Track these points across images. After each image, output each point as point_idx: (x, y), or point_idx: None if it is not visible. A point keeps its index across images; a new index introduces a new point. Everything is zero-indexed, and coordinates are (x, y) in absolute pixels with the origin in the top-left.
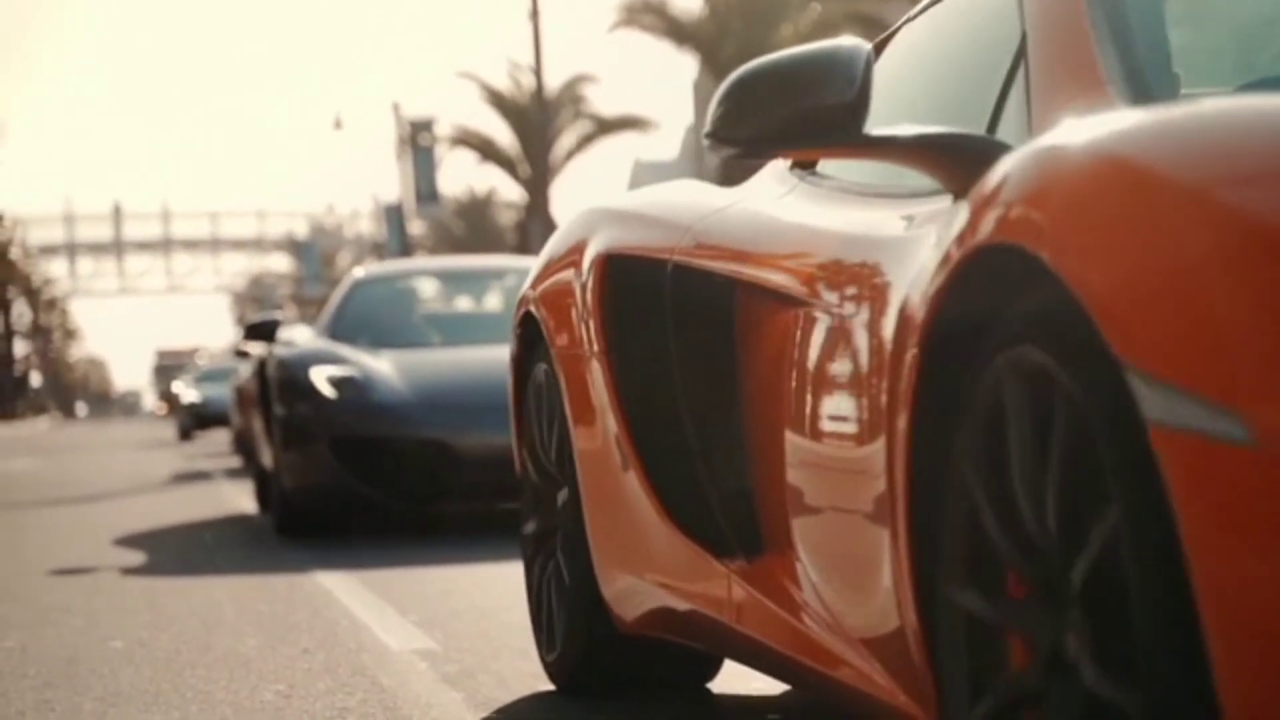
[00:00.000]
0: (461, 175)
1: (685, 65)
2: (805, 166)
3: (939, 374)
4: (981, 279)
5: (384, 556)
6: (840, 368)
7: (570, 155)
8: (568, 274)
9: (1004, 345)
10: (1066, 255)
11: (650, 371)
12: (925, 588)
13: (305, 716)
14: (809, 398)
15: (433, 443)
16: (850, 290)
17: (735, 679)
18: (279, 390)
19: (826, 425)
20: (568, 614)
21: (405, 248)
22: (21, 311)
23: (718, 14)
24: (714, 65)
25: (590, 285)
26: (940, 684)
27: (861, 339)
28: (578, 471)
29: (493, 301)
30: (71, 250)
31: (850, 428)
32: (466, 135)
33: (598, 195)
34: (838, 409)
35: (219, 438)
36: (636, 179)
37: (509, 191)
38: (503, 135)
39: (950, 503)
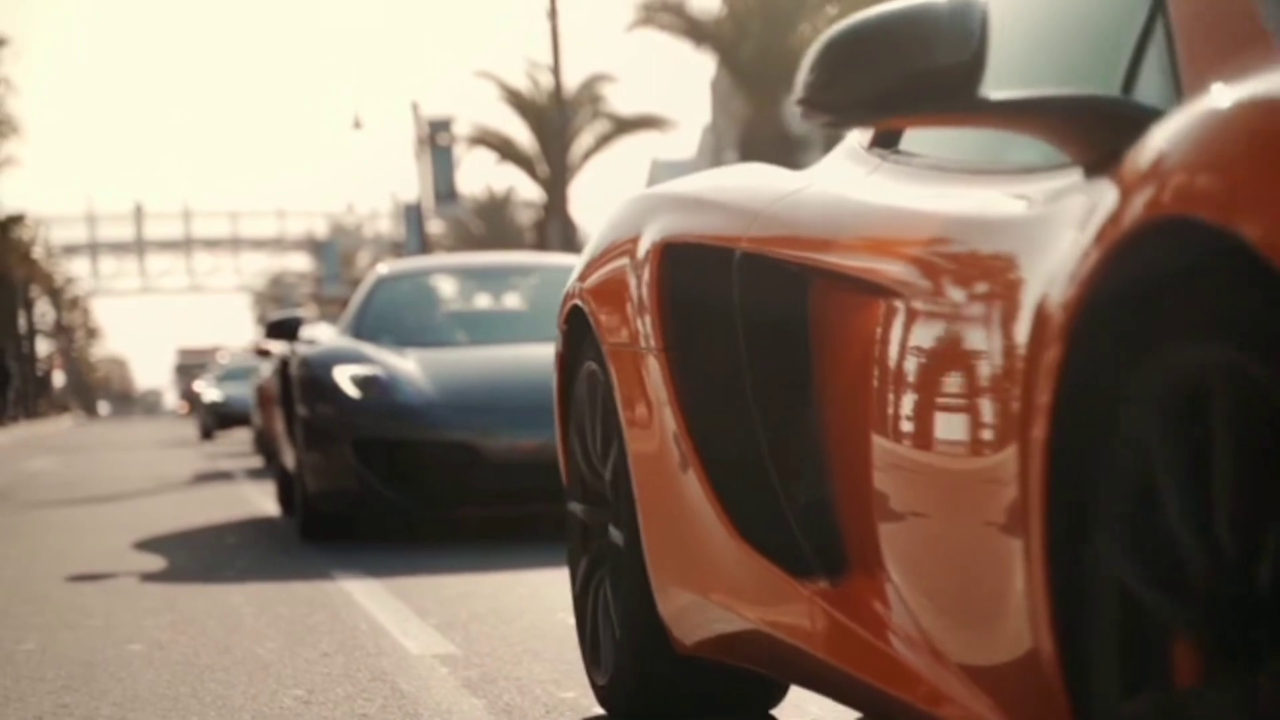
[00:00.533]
0: (480, 175)
1: (703, 65)
2: (887, 144)
3: (1085, 373)
4: (1144, 261)
5: (404, 559)
6: (950, 367)
7: (588, 155)
8: (621, 265)
9: (1177, 335)
10: (1262, 226)
11: (715, 370)
12: (1063, 610)
13: None
14: (906, 401)
15: (459, 445)
16: (961, 280)
17: (801, 701)
18: (301, 390)
19: (933, 432)
20: (621, 634)
21: (424, 247)
22: (44, 311)
23: (736, 13)
24: (732, 65)
25: (647, 277)
26: (1079, 706)
27: (979, 335)
28: (632, 479)
29: (519, 299)
30: (93, 250)
31: (965, 435)
32: (485, 135)
33: (616, 195)
34: (948, 414)
35: (240, 437)
36: (654, 178)
37: (527, 191)
38: (521, 135)
39: (1113, 509)
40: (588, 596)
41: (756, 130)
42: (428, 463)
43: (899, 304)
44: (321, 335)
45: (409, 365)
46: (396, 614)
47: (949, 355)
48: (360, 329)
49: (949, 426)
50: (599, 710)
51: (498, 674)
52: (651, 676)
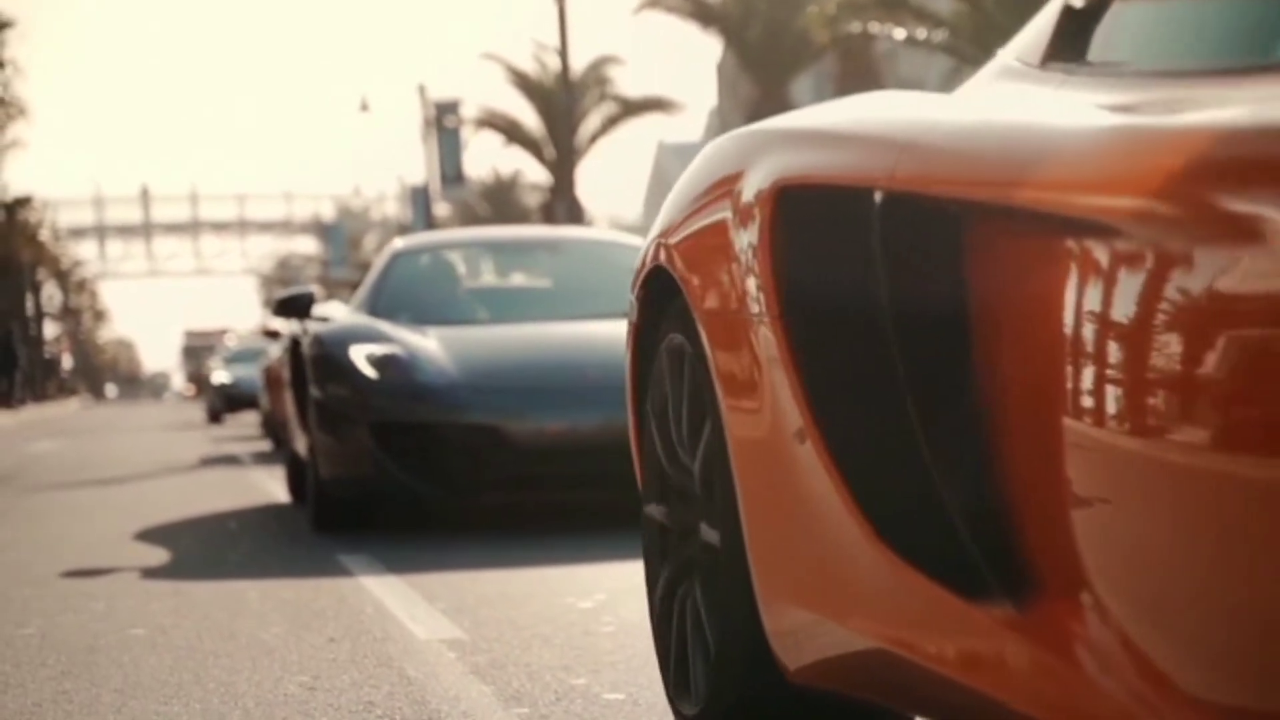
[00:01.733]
0: (487, 157)
1: (709, 48)
2: (1069, 56)
3: None
4: None
5: (410, 543)
6: (1203, 340)
7: (595, 137)
8: (720, 216)
9: None
10: None
11: (847, 339)
12: None
13: (330, 710)
14: (1120, 379)
15: (483, 428)
16: (1212, 222)
17: None
18: (315, 370)
19: (1174, 420)
20: (716, 655)
21: (430, 229)
22: (51, 293)
23: None
24: (739, 46)
25: (758, 228)
26: None
27: (1230, 295)
28: (734, 473)
29: (545, 275)
30: (101, 233)
31: (1225, 422)
32: (492, 117)
33: (622, 178)
34: (1197, 398)
35: (248, 420)
36: (660, 161)
37: (534, 174)
38: (528, 117)
39: None
40: (671, 611)
41: (763, 112)
42: (450, 447)
43: (1111, 256)
44: (335, 313)
45: (429, 344)
46: (403, 598)
47: (1186, 322)
48: (376, 306)
49: (1202, 416)
50: (610, 695)
51: (506, 659)
52: (753, 706)
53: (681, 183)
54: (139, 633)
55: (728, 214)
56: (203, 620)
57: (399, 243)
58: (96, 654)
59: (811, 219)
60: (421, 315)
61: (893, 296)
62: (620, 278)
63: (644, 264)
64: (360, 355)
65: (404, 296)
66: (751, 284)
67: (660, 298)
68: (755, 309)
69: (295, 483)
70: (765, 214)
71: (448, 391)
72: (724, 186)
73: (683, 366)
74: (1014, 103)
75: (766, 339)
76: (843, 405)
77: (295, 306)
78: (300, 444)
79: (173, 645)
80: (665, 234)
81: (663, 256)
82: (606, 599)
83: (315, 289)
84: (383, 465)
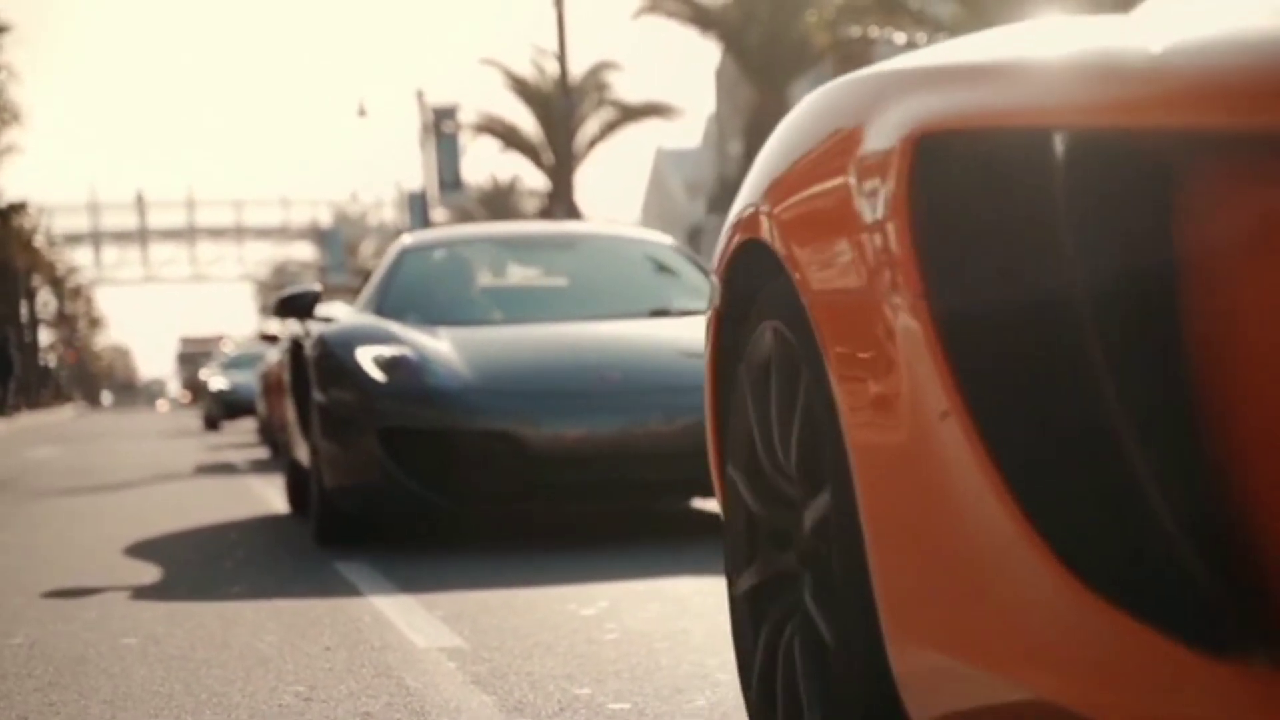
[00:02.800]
0: (485, 163)
1: (707, 53)
2: None
3: None
4: None
5: (407, 548)
6: None
7: (594, 143)
8: (837, 177)
9: None
10: None
11: (1020, 322)
12: None
13: None
14: None
15: (500, 435)
16: None
17: None
18: (319, 373)
19: None
20: (826, 702)
21: None
22: (46, 300)
23: (742, 0)
24: (738, 51)
25: (891, 188)
26: None
27: None
28: (855, 485)
29: (561, 273)
30: (96, 239)
31: None
32: (490, 122)
33: (621, 183)
34: None
35: (244, 426)
36: (658, 167)
37: (532, 179)
38: (526, 122)
39: None
40: (759, 624)
41: (763, 117)
42: (463, 455)
43: None
44: (339, 313)
45: (441, 345)
46: (401, 606)
47: None
48: (383, 305)
49: None
50: (615, 705)
51: (508, 668)
52: None
53: (780, 142)
54: (130, 642)
55: (848, 175)
56: (195, 629)
57: (407, 239)
58: (86, 664)
59: (965, 173)
60: (431, 315)
61: (1085, 263)
62: (641, 275)
63: (730, 240)
64: (367, 357)
65: (413, 295)
66: (885, 257)
67: (752, 279)
68: (889, 288)
69: (295, 492)
70: (901, 171)
71: (460, 396)
72: (840, 142)
73: (785, 360)
74: (1234, 8)
75: (906, 325)
76: (1012, 405)
77: (297, 306)
78: (301, 452)
79: (164, 655)
80: (760, 202)
81: (759, 229)
82: (609, 606)
83: (318, 286)
84: (391, 474)
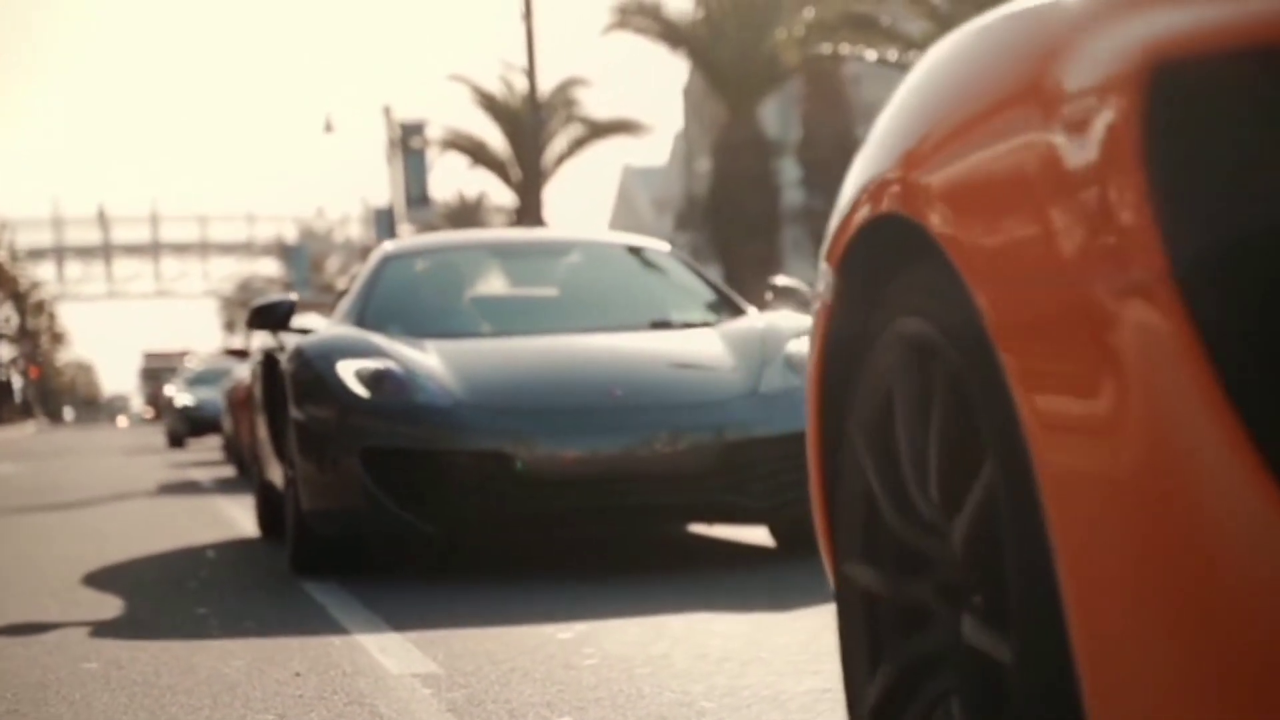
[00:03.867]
0: (452, 179)
1: (675, 70)
2: None
3: None
4: None
5: (376, 568)
6: None
7: (562, 159)
8: (1021, 124)
9: None
10: None
11: None
12: None
13: None
14: None
15: (492, 456)
16: None
17: None
18: (296, 388)
19: None
20: None
21: None
22: (8, 315)
23: (712, 17)
24: (708, 68)
25: (1114, 133)
26: None
27: None
28: (1052, 539)
29: (554, 282)
30: (59, 254)
31: None
32: (458, 138)
33: (588, 200)
34: None
35: (209, 443)
36: (626, 184)
37: (499, 195)
38: (494, 138)
39: None
40: None
41: (732, 134)
42: (452, 477)
43: None
44: (317, 325)
45: (428, 359)
46: (371, 627)
47: None
48: (364, 316)
49: None
50: None
51: (485, 695)
52: None
53: (919, 96)
54: (92, 667)
55: (1040, 123)
56: (160, 653)
57: (389, 245)
58: (46, 690)
59: (1222, 111)
60: (416, 327)
61: None
62: (639, 284)
63: (849, 219)
64: (349, 371)
65: (396, 305)
66: (1106, 227)
67: (882, 265)
68: (1113, 267)
69: (266, 515)
70: (1129, 112)
71: (450, 413)
72: (1020, 85)
73: (930, 367)
74: None
75: (1141, 316)
76: None
77: (272, 317)
78: (274, 472)
79: (127, 681)
80: (896, 170)
81: (895, 202)
82: (587, 629)
83: (294, 296)
84: (375, 498)
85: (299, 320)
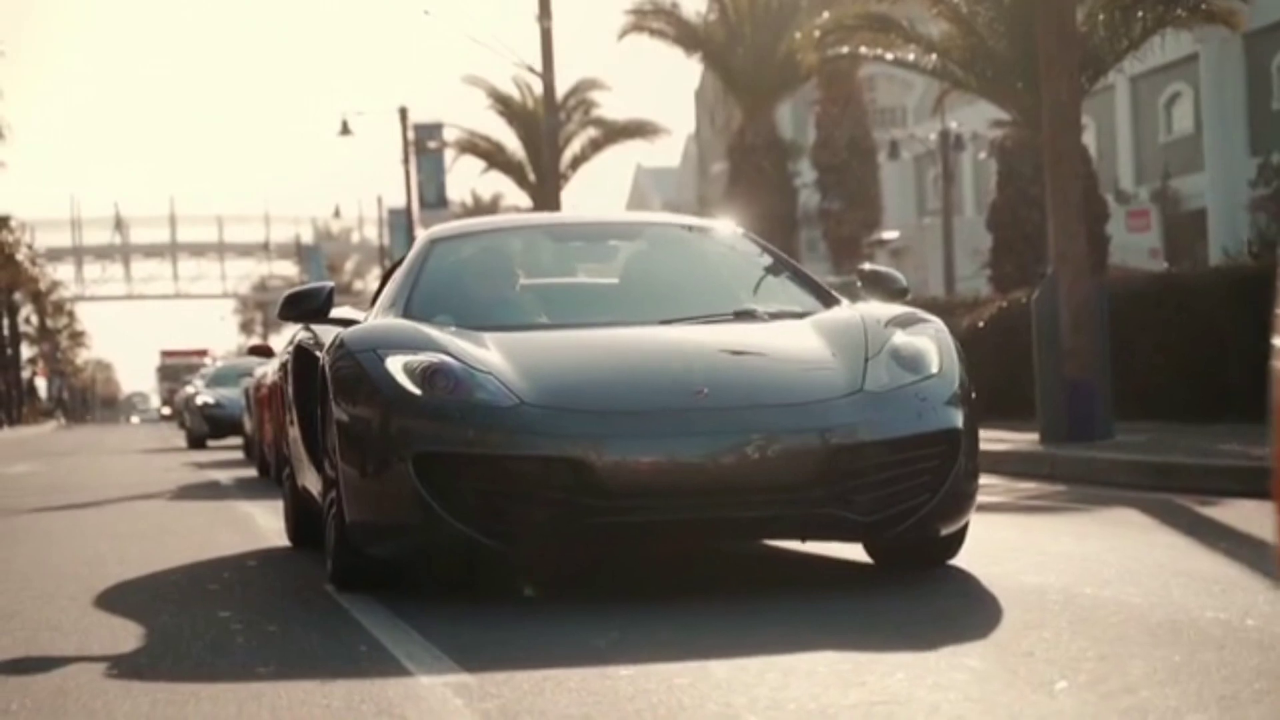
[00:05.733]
0: (468, 180)
1: (688, 72)
2: None
3: None
4: None
5: (404, 572)
6: None
7: (578, 161)
8: None
9: None
10: None
11: None
12: None
13: None
14: None
15: (562, 462)
16: None
17: None
18: (339, 385)
19: None
20: None
21: None
22: (28, 315)
23: (728, 19)
24: (724, 70)
25: None
26: None
27: None
28: None
29: (621, 268)
30: (78, 254)
31: None
32: (474, 140)
33: (601, 202)
34: None
35: (233, 443)
36: (639, 185)
37: (515, 197)
38: (510, 140)
39: None
40: None
41: (748, 136)
42: (517, 486)
43: None
44: (359, 316)
45: (488, 353)
46: (400, 635)
47: None
48: (410, 306)
49: None
50: None
51: (519, 706)
52: None
53: None
54: (112, 673)
55: None
56: (183, 658)
57: (436, 230)
58: (66, 697)
59: None
60: (468, 317)
61: None
62: (716, 271)
63: None
64: (398, 366)
65: (444, 294)
66: None
67: None
68: None
69: (297, 525)
70: None
71: (515, 414)
72: None
73: None
74: None
75: None
76: None
77: (308, 306)
78: (310, 479)
79: (149, 688)
80: None
81: None
82: (621, 636)
83: (332, 283)
84: (429, 509)
85: (337, 311)
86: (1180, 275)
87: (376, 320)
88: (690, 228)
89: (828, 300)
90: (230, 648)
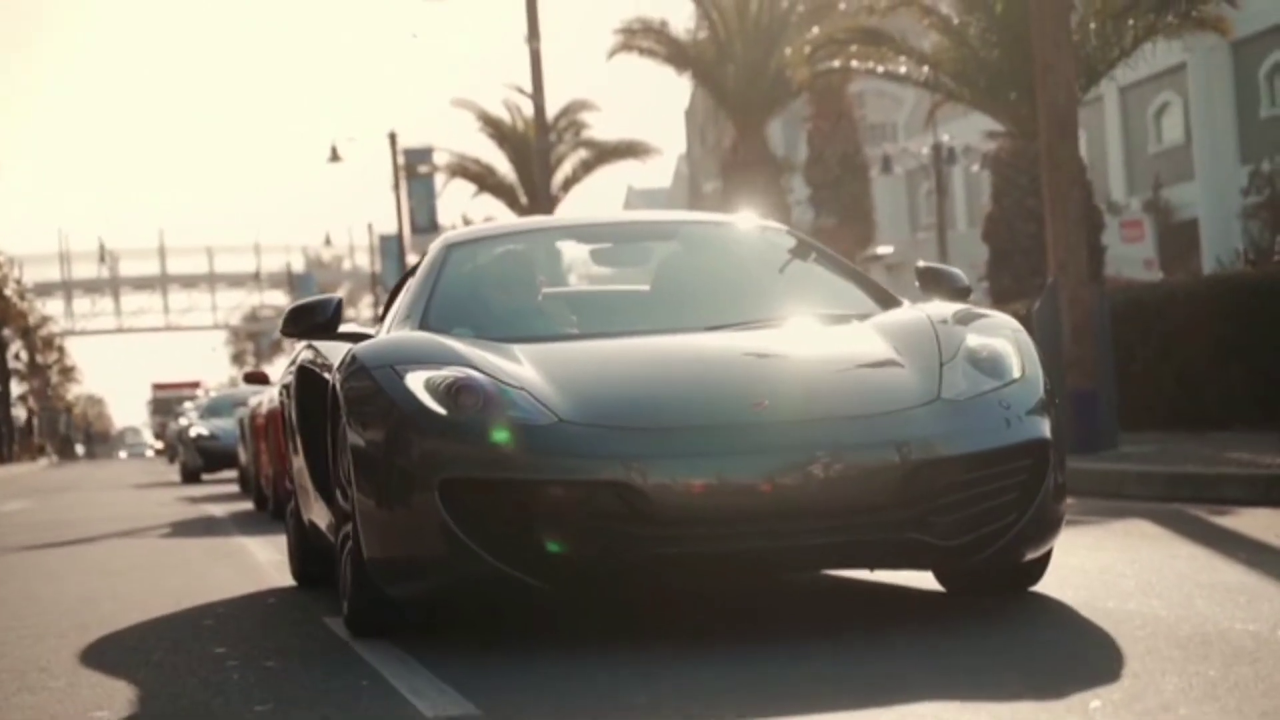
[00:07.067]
0: (459, 205)
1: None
2: None
3: None
4: None
5: None
6: None
7: (569, 183)
8: None
9: None
10: None
11: None
12: None
13: None
14: None
15: (609, 487)
16: None
17: None
18: (354, 407)
19: None
20: None
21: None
22: (17, 351)
23: (718, 36)
24: (715, 88)
25: None
26: None
27: None
28: None
29: (656, 273)
30: (67, 288)
31: None
32: (464, 163)
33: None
34: None
35: (229, 476)
36: (630, 207)
37: (507, 220)
38: (501, 164)
39: None
40: None
41: (740, 153)
42: (559, 515)
43: None
44: (370, 331)
45: (520, 367)
46: (403, 667)
47: None
48: (427, 318)
49: None
50: None
51: None
52: None
53: None
54: (103, 715)
55: None
56: (176, 699)
57: (452, 235)
58: None
59: None
60: (491, 328)
61: None
62: (763, 272)
63: None
64: (419, 382)
65: (464, 303)
66: None
67: None
68: None
69: (303, 564)
70: None
71: (553, 434)
72: None
73: None
74: None
75: None
76: None
77: (314, 319)
78: (317, 512)
79: None
80: None
81: None
82: (638, 664)
83: (340, 294)
84: (458, 543)
85: (346, 327)
86: (1182, 283)
87: (392, 333)
88: (729, 225)
89: (886, 301)
90: (226, 685)
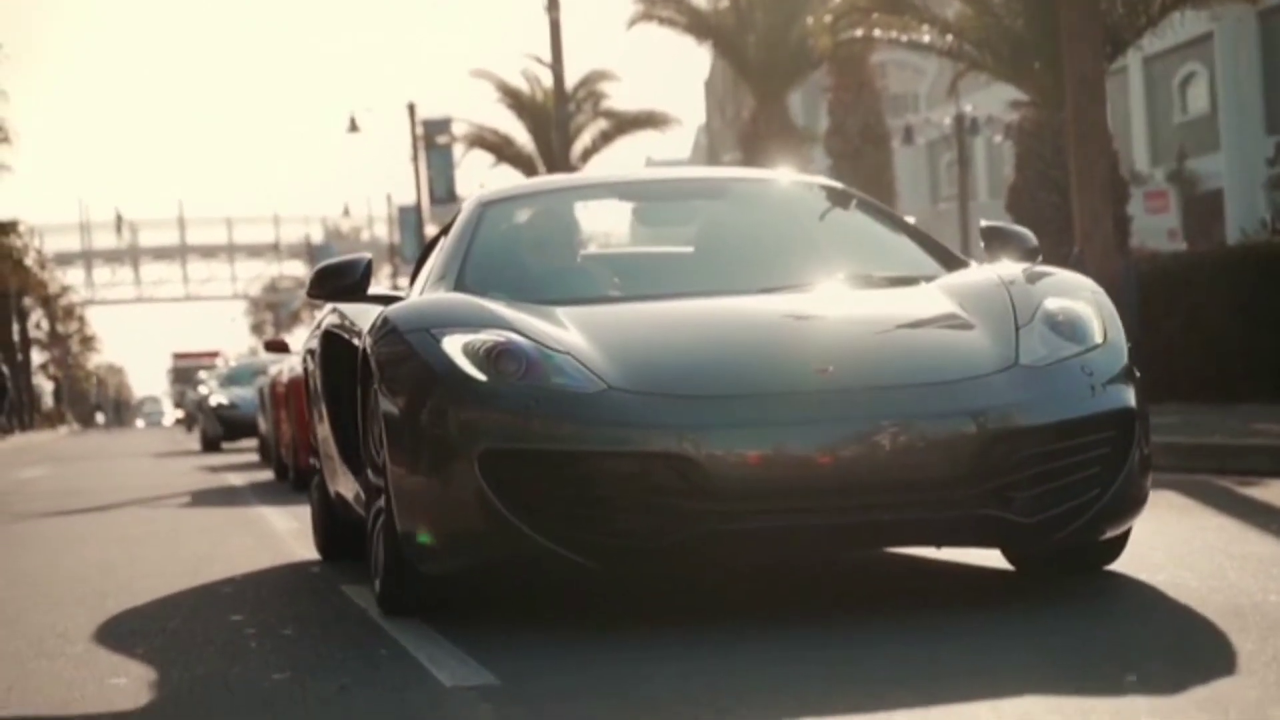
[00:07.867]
0: (477, 175)
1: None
2: None
3: None
4: None
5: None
6: None
7: (589, 153)
8: None
9: None
10: None
11: None
12: None
13: None
14: None
15: (662, 458)
16: None
17: None
18: (386, 373)
19: None
20: None
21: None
22: (38, 320)
23: (739, 5)
24: (736, 58)
25: None
26: None
27: None
28: None
29: (704, 233)
30: (87, 258)
31: None
32: (483, 134)
33: None
34: None
35: (249, 444)
36: None
37: None
38: (520, 134)
39: None
40: None
41: (761, 124)
42: (608, 489)
43: None
44: (402, 294)
45: (564, 330)
46: (422, 637)
47: None
48: (463, 279)
49: None
50: None
51: (549, 713)
52: None
53: None
54: (120, 682)
55: None
56: (194, 665)
57: (486, 194)
58: (70, 707)
59: None
60: (531, 290)
61: None
62: (820, 231)
63: None
64: (457, 347)
65: (502, 263)
66: None
67: None
68: None
69: (328, 537)
70: None
71: (601, 402)
72: None
73: None
74: None
75: None
76: None
77: (343, 281)
78: (343, 483)
79: (159, 697)
80: None
81: None
82: (660, 638)
83: (369, 255)
84: (499, 518)
85: (377, 288)
86: (1209, 253)
87: (426, 295)
88: (779, 182)
89: (951, 261)
90: (244, 653)
